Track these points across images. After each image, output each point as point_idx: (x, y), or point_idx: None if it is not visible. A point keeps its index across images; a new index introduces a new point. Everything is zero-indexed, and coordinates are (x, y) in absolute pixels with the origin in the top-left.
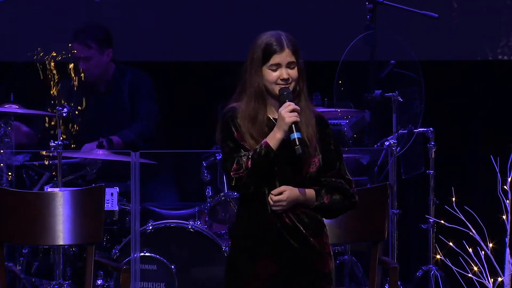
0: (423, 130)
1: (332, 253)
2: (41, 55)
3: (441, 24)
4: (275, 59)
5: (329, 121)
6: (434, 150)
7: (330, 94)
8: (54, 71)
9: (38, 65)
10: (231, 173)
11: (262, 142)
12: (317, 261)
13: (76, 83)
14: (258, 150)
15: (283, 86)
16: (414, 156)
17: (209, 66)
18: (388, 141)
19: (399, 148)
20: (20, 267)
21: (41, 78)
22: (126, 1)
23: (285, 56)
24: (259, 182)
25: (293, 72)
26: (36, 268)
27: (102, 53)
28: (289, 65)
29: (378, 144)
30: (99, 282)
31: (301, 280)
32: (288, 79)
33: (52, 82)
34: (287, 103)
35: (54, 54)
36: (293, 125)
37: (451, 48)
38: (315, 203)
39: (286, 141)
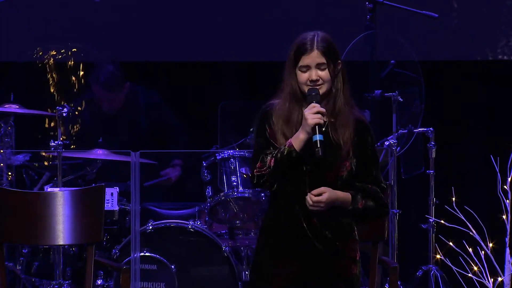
0: (423, 130)
1: (358, 259)
2: (40, 54)
3: (441, 24)
4: (304, 60)
5: None
6: (434, 150)
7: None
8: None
9: (38, 64)
10: (255, 171)
11: (287, 141)
12: (340, 265)
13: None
14: (282, 149)
15: (311, 87)
16: (414, 156)
17: (209, 66)
18: (388, 141)
19: (399, 148)
20: (20, 267)
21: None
22: (126, 1)
23: (313, 57)
24: (283, 181)
25: (324, 74)
26: (36, 268)
27: (122, 91)
28: (318, 66)
29: (378, 144)
30: (99, 282)
31: (321, 283)
32: (317, 80)
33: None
34: (312, 104)
35: (54, 53)
36: (316, 127)
37: (451, 48)
38: (350, 207)
39: (323, 141)
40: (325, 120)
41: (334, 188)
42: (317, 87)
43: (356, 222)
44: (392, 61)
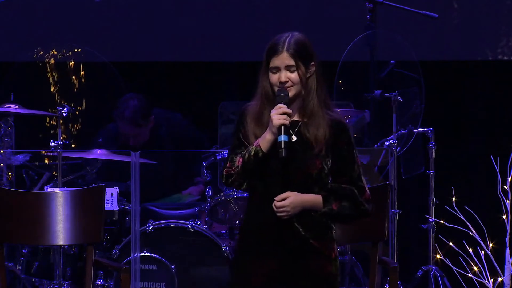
0: (423, 130)
1: (335, 258)
2: (40, 54)
3: (441, 24)
4: (274, 61)
5: None
6: (434, 150)
7: (330, 94)
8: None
9: (38, 63)
10: (224, 170)
11: (255, 142)
12: (316, 263)
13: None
14: (249, 149)
15: (280, 88)
16: (414, 156)
17: (209, 66)
18: (388, 141)
19: (399, 148)
20: (20, 267)
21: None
22: (126, 1)
23: (282, 59)
24: (253, 181)
25: (293, 76)
26: (36, 268)
27: (147, 125)
28: (288, 68)
29: (378, 144)
30: (99, 282)
31: (298, 281)
32: (286, 82)
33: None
34: (279, 105)
35: (54, 53)
36: (282, 128)
37: (451, 48)
38: (323, 209)
39: (287, 142)
40: (290, 121)
41: (304, 187)
42: (287, 89)
43: (336, 222)
44: (392, 61)
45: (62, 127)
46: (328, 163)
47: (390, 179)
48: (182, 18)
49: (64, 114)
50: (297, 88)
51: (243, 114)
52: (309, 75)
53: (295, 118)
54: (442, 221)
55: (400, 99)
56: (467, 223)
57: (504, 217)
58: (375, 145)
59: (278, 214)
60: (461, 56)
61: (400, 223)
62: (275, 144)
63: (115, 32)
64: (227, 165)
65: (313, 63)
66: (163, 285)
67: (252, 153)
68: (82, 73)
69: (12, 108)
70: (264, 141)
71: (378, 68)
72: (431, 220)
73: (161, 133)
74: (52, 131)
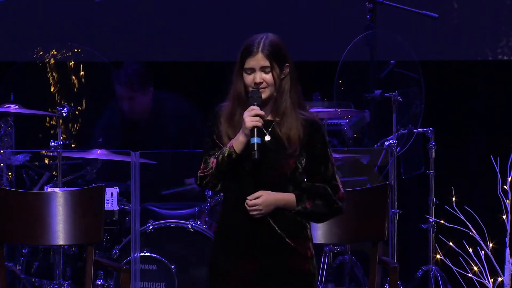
0: (423, 130)
1: (312, 256)
2: (40, 54)
3: (441, 24)
4: (249, 62)
5: (329, 121)
6: (434, 150)
7: (330, 94)
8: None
9: (38, 63)
10: (199, 171)
11: (228, 143)
12: (292, 262)
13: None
14: (223, 151)
15: (254, 89)
16: (414, 156)
17: (209, 66)
18: (388, 141)
19: (399, 148)
20: (20, 267)
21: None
22: (125, 1)
23: (257, 60)
24: (227, 181)
25: (268, 77)
26: (36, 268)
27: (145, 93)
28: (263, 69)
29: (378, 144)
30: (99, 282)
31: (276, 280)
32: (260, 83)
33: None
34: (251, 107)
35: (54, 53)
36: (255, 130)
37: (451, 48)
38: (297, 208)
39: (260, 144)
40: (263, 123)
41: (278, 186)
42: (260, 90)
43: (311, 221)
44: (392, 61)
45: (62, 127)
46: (302, 162)
47: (390, 179)
48: (182, 18)
49: (64, 114)
50: (271, 89)
51: (216, 115)
52: (283, 76)
53: (269, 117)
54: (442, 221)
55: (400, 99)
56: (467, 223)
57: (504, 217)
58: (375, 145)
59: (251, 213)
60: (461, 56)
61: (400, 223)
62: (248, 145)
63: (115, 32)
64: (201, 167)
65: (287, 64)
66: (163, 285)
67: (225, 154)
68: (82, 73)
69: (12, 108)
70: (237, 142)
71: (378, 68)
72: (431, 220)
73: (166, 114)
74: (52, 131)
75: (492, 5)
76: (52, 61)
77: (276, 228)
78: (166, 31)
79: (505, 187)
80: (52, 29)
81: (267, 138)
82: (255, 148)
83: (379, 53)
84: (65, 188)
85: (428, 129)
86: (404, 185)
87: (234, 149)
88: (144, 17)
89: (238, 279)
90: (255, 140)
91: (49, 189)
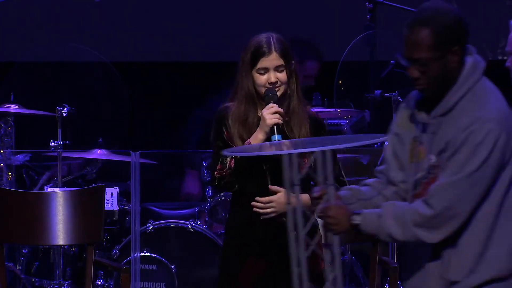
0: None
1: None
2: (40, 54)
3: None
4: (263, 62)
5: (329, 121)
6: None
7: (330, 94)
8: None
9: (38, 64)
10: (215, 172)
11: (246, 142)
12: (308, 261)
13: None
14: None
15: (269, 88)
16: None
17: (209, 66)
18: None
19: None
20: (20, 267)
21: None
22: (126, 1)
23: (272, 59)
24: (243, 181)
25: (282, 76)
26: (36, 268)
27: None
28: (277, 69)
29: (378, 144)
30: (99, 282)
31: (289, 279)
32: (276, 82)
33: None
34: (270, 104)
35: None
36: (274, 127)
37: None
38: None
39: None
40: (282, 120)
41: None
42: (276, 89)
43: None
44: (392, 61)
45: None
46: (313, 160)
47: None
48: (182, 18)
49: (64, 114)
50: (285, 88)
51: (223, 116)
52: (292, 73)
53: None
54: None
55: (400, 99)
56: None
57: None
58: (375, 145)
59: (264, 211)
60: None
61: None
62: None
63: (115, 32)
64: (217, 167)
65: (293, 61)
66: (163, 285)
67: None
68: (82, 73)
69: (12, 108)
70: (257, 140)
71: (378, 68)
72: None
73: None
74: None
75: (492, 5)
76: (52, 61)
77: None
78: (166, 31)
79: None
80: (52, 29)
81: (279, 137)
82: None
83: (379, 53)
84: (65, 188)
85: None
86: None
87: None
88: (144, 17)
89: (252, 279)
90: (276, 137)
91: (49, 189)
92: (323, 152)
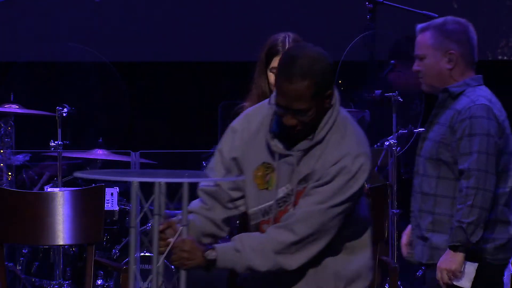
0: (423, 130)
1: None
2: (40, 54)
3: None
4: (276, 61)
5: None
6: None
7: None
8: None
9: (38, 64)
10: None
11: None
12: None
13: None
14: None
15: None
16: (414, 156)
17: (209, 66)
18: (388, 141)
19: (399, 148)
20: (20, 267)
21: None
22: (126, 1)
23: None
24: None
25: None
26: (36, 268)
27: None
28: None
29: (378, 144)
30: (99, 282)
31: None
32: None
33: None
34: None
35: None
36: None
37: None
38: None
39: None
40: None
41: None
42: None
43: None
44: (392, 61)
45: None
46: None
47: (390, 179)
48: (182, 18)
49: (64, 114)
50: None
51: (237, 115)
52: None
53: None
54: None
55: (400, 99)
56: None
57: None
58: (375, 145)
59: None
60: None
61: (400, 223)
62: None
63: (115, 32)
64: None
65: None
66: (163, 285)
67: None
68: (82, 73)
69: (12, 108)
70: None
71: (378, 68)
72: None
73: None
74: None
75: (492, 5)
76: (53, 61)
77: None
78: (166, 31)
79: None
80: (52, 29)
81: None
82: None
83: (379, 53)
84: (65, 188)
85: None
86: (404, 185)
87: None
88: (144, 17)
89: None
90: None
91: (49, 189)
92: (159, 184)
